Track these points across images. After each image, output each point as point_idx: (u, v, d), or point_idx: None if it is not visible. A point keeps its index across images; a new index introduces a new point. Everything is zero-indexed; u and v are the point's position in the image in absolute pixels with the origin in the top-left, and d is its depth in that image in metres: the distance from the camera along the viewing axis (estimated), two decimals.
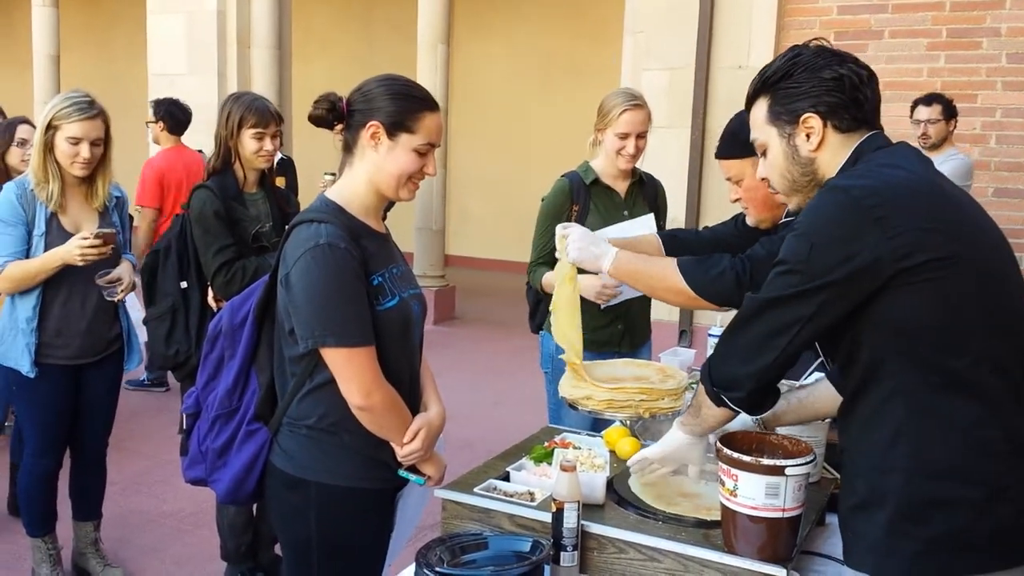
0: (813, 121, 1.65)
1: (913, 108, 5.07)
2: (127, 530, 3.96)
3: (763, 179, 1.79)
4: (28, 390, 3.18)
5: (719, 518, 1.79)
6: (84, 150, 3.06)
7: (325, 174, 6.22)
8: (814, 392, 1.97)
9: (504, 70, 11.21)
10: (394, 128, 1.95)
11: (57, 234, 3.10)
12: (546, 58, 10.90)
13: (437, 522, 3.97)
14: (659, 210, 3.36)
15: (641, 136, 3.12)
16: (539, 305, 3.35)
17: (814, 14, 6.10)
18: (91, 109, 3.07)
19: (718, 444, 1.74)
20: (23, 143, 3.76)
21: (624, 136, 3.09)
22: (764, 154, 1.75)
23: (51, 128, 3.04)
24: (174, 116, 5.67)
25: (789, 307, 1.57)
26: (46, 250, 3.07)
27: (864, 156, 1.63)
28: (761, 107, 1.73)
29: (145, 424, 5.22)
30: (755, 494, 1.68)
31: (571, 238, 2.22)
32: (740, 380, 1.67)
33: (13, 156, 3.74)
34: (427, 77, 7.83)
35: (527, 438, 2.42)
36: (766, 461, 1.68)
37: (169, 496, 4.32)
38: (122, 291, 3.19)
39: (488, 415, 5.69)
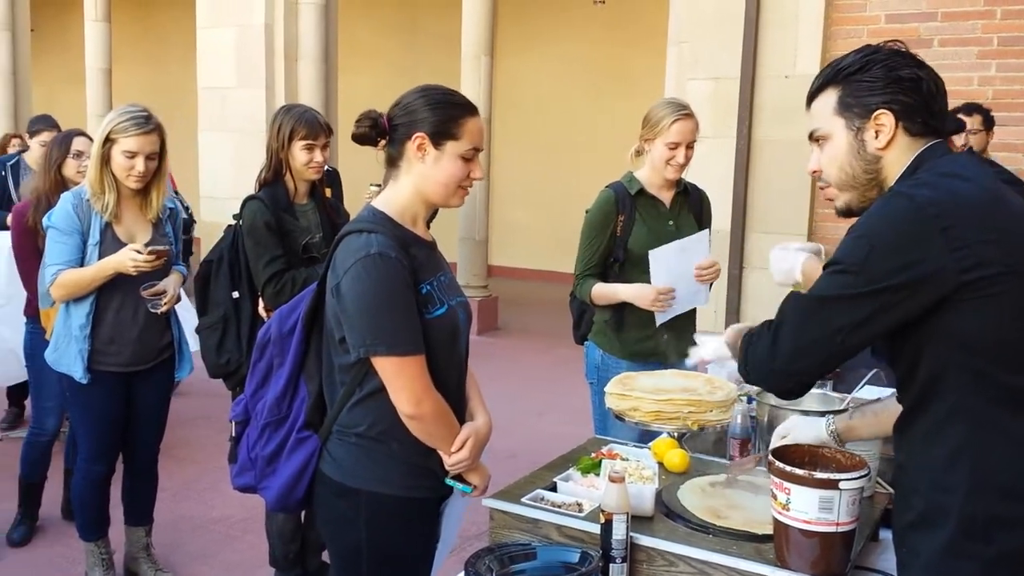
0: (885, 118, 1.61)
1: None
2: (177, 535, 4.02)
3: (814, 171, 1.75)
4: (81, 396, 3.25)
5: (770, 532, 1.77)
6: (139, 164, 3.12)
7: (371, 185, 6.27)
8: (889, 406, 1.90)
9: (549, 80, 11.24)
10: (439, 137, 1.97)
11: (111, 243, 3.16)
12: (592, 67, 10.91)
13: (482, 532, 3.95)
14: (703, 220, 3.35)
15: (690, 146, 3.11)
16: (583, 316, 3.35)
17: (862, 23, 6.03)
18: (147, 124, 3.13)
19: (770, 457, 1.73)
20: (79, 155, 3.83)
21: (674, 146, 3.08)
22: (820, 144, 1.71)
23: (108, 141, 3.11)
24: None
25: (840, 308, 1.53)
26: (100, 259, 3.13)
27: (925, 164, 1.59)
28: (829, 97, 1.67)
29: (194, 431, 5.30)
30: (808, 508, 1.66)
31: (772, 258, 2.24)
32: (769, 376, 1.66)
33: (69, 168, 3.82)
34: (471, 88, 7.89)
35: (573, 449, 2.42)
36: (819, 475, 1.66)
37: (218, 502, 4.38)
38: (166, 304, 3.23)
39: (532, 426, 5.69)
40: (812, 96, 1.72)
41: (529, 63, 11.28)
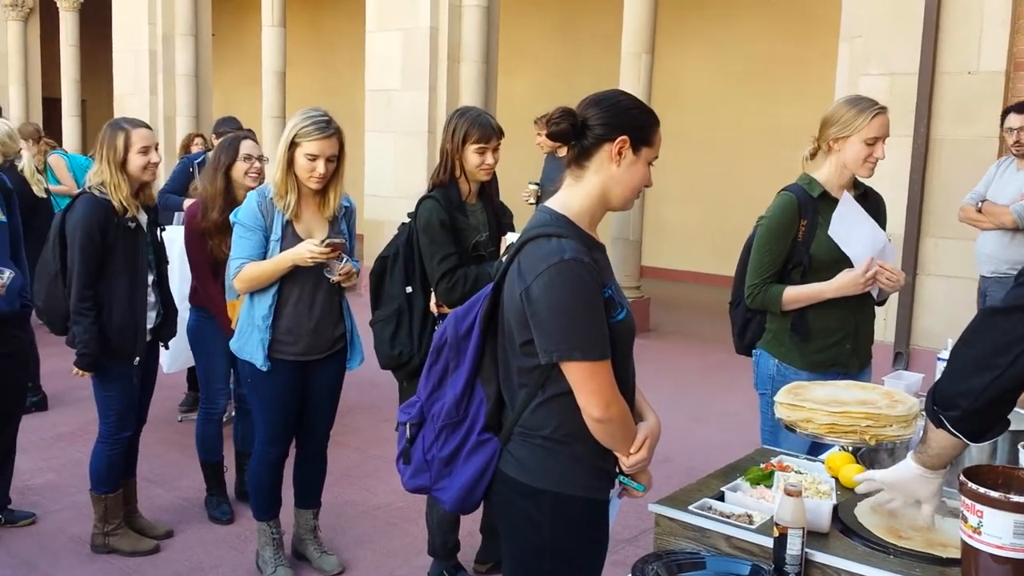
0: None
1: (1004, 116, 4.99)
2: (341, 520, 4.19)
3: None
4: (261, 382, 3.43)
5: (955, 555, 1.68)
6: (320, 166, 3.26)
7: (530, 183, 6.35)
8: None
9: (710, 78, 11.02)
10: (639, 142, 2.00)
11: (291, 239, 3.32)
12: (756, 65, 10.61)
13: (635, 536, 3.90)
14: (880, 224, 3.20)
15: (884, 142, 2.99)
16: (748, 324, 3.20)
17: None
18: (328, 128, 3.27)
19: (961, 477, 1.64)
20: (248, 158, 4.02)
21: (873, 141, 2.93)
22: None
23: (293, 145, 3.26)
24: None
25: (1018, 319, 1.45)
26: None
27: None
28: None
29: (356, 419, 5.51)
30: (1002, 533, 1.57)
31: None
32: (956, 398, 1.55)
33: (238, 171, 4.00)
34: (630, 87, 7.82)
35: (741, 458, 2.37)
36: (1016, 498, 1.56)
37: (380, 490, 4.54)
38: (339, 274, 3.30)
39: (686, 431, 5.59)
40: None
41: (690, 61, 11.10)
